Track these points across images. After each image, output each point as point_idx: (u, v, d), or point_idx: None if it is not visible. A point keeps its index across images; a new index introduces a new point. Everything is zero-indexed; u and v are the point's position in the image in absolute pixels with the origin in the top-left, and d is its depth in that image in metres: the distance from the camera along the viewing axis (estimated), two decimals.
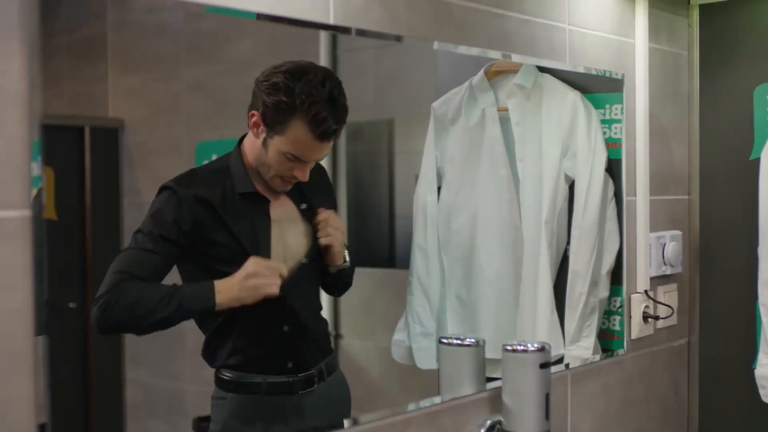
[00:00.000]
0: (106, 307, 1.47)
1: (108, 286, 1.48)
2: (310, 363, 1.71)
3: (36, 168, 1.26)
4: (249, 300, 1.58)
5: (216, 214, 1.60)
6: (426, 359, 2.06)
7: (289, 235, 1.71)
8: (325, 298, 1.82)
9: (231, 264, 1.60)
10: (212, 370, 1.64)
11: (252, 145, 1.64)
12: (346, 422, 1.74)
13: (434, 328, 2.09)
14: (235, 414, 1.64)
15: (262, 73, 1.62)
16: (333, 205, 1.81)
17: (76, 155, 1.45)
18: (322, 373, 1.72)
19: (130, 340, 1.55)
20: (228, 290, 1.57)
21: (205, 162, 1.64)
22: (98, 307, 1.46)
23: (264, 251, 1.65)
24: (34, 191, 1.25)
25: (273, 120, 1.61)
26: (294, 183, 1.68)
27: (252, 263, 1.59)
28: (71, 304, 1.45)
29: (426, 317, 2.08)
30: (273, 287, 1.60)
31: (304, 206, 1.71)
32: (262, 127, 1.62)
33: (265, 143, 1.62)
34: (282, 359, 1.68)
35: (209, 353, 1.64)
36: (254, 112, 1.62)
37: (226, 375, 1.63)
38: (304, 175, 1.65)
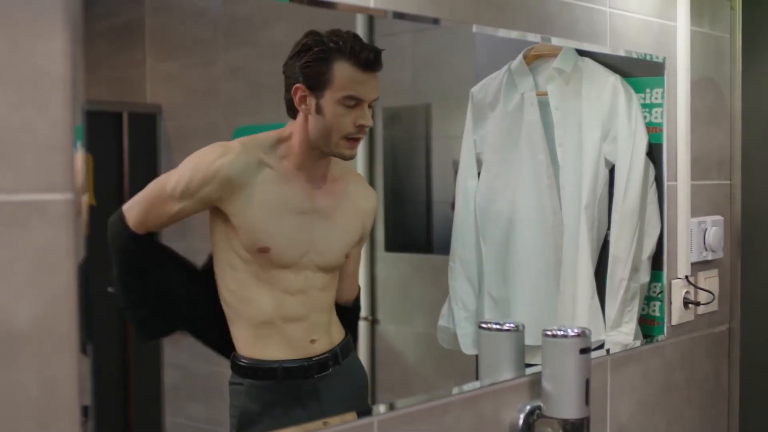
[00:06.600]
0: (114, 232, 1.45)
1: (133, 217, 1.46)
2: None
3: (78, 152, 1.26)
4: None
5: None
6: (471, 344, 2.05)
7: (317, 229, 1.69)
8: (363, 282, 1.81)
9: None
10: None
11: (302, 127, 1.62)
12: (383, 407, 1.73)
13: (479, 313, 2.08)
14: (253, 399, 1.63)
15: (286, 58, 1.63)
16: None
17: (115, 141, 1.45)
18: (336, 356, 1.71)
19: None
20: None
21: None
22: (114, 222, 1.45)
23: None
24: (76, 176, 1.26)
25: (316, 76, 1.61)
26: (358, 145, 1.67)
27: None
28: (110, 289, 1.45)
29: (470, 302, 2.07)
30: None
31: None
32: (309, 94, 1.61)
33: (318, 108, 1.61)
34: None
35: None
36: (297, 86, 1.61)
37: (242, 361, 1.62)
38: (368, 119, 1.66)
